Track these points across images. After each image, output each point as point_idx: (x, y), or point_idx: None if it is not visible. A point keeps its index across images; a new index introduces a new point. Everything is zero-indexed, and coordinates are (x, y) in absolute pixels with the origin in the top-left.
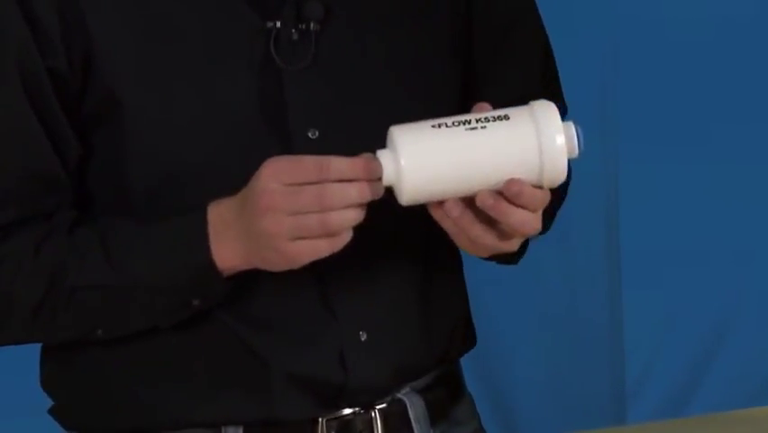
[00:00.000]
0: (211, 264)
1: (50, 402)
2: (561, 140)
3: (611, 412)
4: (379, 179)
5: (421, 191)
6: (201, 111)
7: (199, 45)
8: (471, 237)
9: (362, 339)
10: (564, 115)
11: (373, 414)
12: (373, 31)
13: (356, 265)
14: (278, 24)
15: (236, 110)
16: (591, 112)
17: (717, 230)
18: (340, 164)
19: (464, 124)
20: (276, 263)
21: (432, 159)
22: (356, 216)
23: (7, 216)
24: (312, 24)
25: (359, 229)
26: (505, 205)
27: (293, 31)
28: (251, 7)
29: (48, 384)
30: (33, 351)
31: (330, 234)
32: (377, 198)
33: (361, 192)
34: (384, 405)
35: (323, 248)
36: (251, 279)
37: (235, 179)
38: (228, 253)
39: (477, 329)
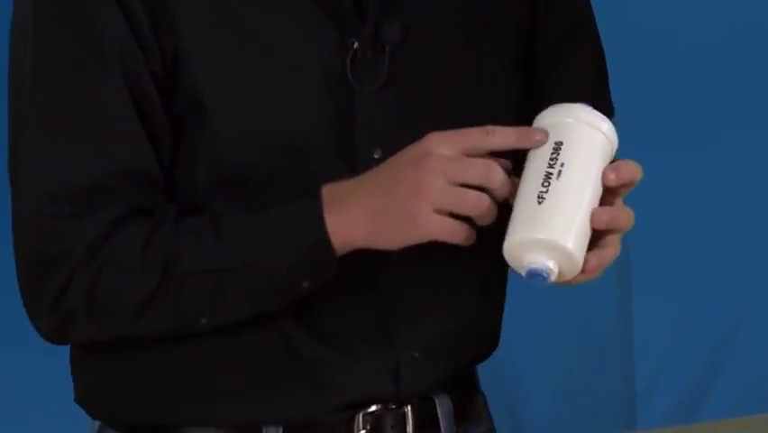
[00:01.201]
0: (326, 241)
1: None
2: (600, 117)
3: (621, 418)
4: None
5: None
6: (275, 122)
7: (280, 57)
8: (603, 266)
9: (415, 356)
10: (612, 116)
11: (405, 409)
12: (445, 51)
13: (414, 292)
14: (356, 45)
15: (308, 124)
16: None
17: (727, 236)
18: (508, 131)
19: (550, 177)
20: (396, 232)
21: (575, 225)
22: (494, 213)
23: (113, 211)
24: (387, 46)
25: (419, 258)
26: (615, 211)
27: (368, 50)
28: (332, 24)
29: (78, 371)
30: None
31: (475, 213)
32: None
33: (508, 186)
34: (415, 401)
35: (451, 230)
36: (315, 298)
37: (298, 193)
38: (347, 222)
39: None
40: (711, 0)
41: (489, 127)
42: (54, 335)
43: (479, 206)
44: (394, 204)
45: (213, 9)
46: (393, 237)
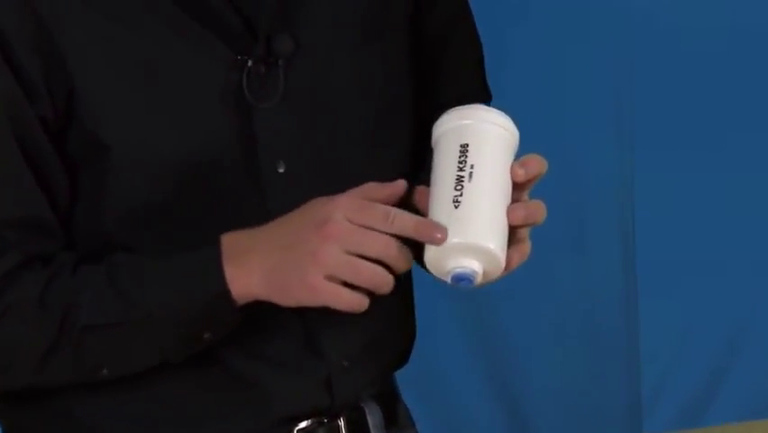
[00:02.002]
0: (225, 292)
1: None
2: (496, 112)
3: (627, 423)
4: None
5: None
6: (178, 149)
7: (176, 85)
8: (523, 261)
9: (344, 365)
10: (489, 101)
11: (339, 422)
12: (339, 58)
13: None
14: (250, 62)
15: (210, 147)
16: (606, 120)
17: (734, 239)
18: (407, 220)
19: (462, 180)
20: (290, 293)
21: (494, 224)
22: (390, 286)
23: (7, 263)
24: (280, 61)
25: None
26: (530, 206)
27: (262, 66)
28: (225, 45)
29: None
30: None
31: (369, 286)
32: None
33: (408, 259)
34: (347, 412)
35: (344, 300)
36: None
37: (207, 215)
38: (245, 275)
39: (492, 340)
40: (716, 4)
41: (392, 212)
42: None
43: (373, 279)
44: (289, 266)
45: (105, 48)
46: (287, 297)
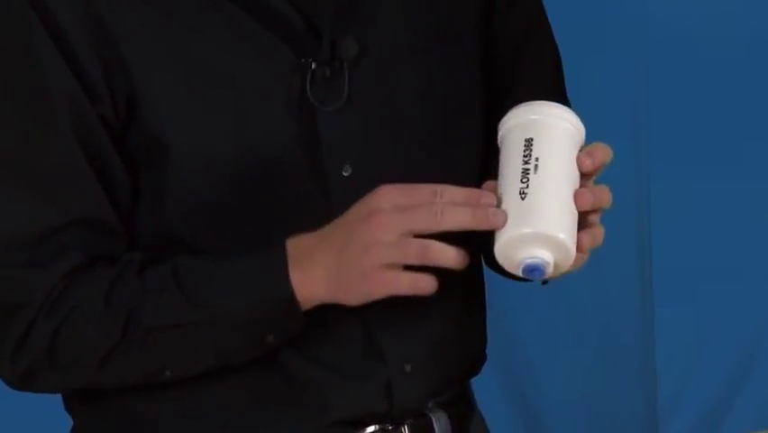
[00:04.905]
0: (291, 296)
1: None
2: (560, 107)
3: (643, 432)
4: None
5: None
6: (240, 151)
7: (239, 86)
8: (596, 244)
9: (407, 370)
10: None
11: (402, 429)
12: (406, 61)
13: (400, 304)
14: (314, 65)
15: (273, 150)
16: (623, 131)
17: (750, 249)
18: (455, 192)
19: (528, 173)
20: (354, 290)
21: (562, 214)
22: (456, 256)
23: (71, 260)
24: (345, 63)
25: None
26: (597, 191)
27: (327, 69)
28: (288, 47)
29: (70, 407)
30: None
31: (429, 262)
32: (487, 227)
33: (474, 217)
34: (411, 420)
35: (405, 283)
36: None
37: (270, 215)
38: (309, 280)
39: (509, 349)
40: (733, 14)
41: (439, 187)
42: (19, 383)
43: (429, 254)
44: (347, 265)
45: (166, 51)
46: (354, 296)
